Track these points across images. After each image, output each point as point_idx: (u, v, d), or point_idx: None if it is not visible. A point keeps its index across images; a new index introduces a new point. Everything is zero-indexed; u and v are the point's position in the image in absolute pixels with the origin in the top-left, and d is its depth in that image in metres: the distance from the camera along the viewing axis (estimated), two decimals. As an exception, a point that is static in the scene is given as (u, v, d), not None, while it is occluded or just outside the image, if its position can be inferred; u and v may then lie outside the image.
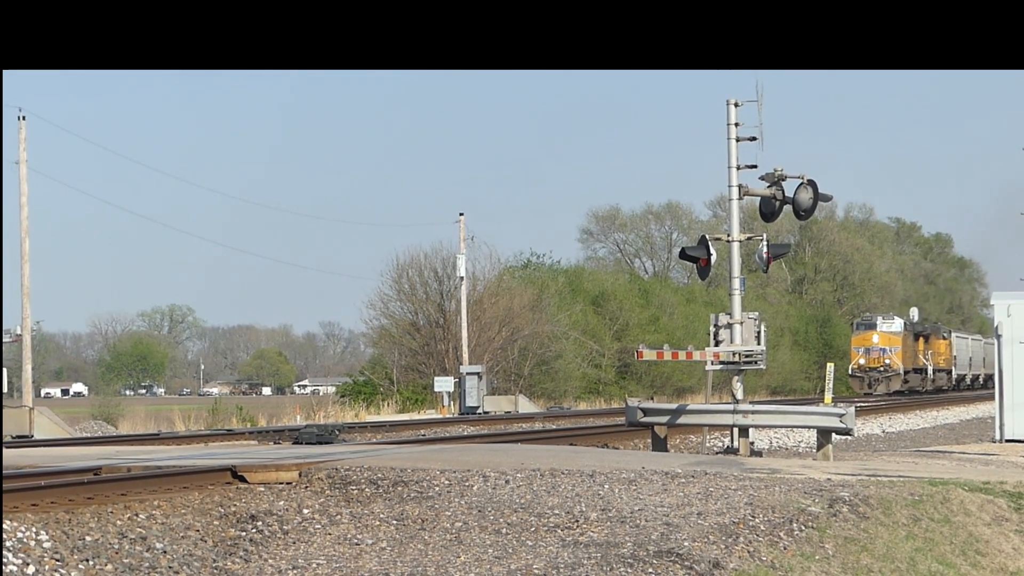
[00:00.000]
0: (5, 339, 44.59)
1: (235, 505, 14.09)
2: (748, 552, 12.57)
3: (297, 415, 53.36)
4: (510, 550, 12.27)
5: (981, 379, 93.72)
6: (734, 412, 24.38)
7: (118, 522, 12.69)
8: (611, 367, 76.33)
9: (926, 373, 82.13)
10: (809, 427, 27.27)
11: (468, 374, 54.33)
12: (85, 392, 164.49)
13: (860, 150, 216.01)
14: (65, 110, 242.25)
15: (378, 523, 13.58)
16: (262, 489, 15.19)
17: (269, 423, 46.55)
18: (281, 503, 14.40)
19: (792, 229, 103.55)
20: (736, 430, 24.51)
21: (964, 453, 27.12)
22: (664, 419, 25.20)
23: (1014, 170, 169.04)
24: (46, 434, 38.83)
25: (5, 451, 20.49)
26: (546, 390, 67.57)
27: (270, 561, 12.01)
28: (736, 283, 24.77)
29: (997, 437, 29.94)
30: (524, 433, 33.50)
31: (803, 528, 13.81)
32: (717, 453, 25.82)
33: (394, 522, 13.61)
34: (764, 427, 31.96)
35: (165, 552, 11.99)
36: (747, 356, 24.65)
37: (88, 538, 11.96)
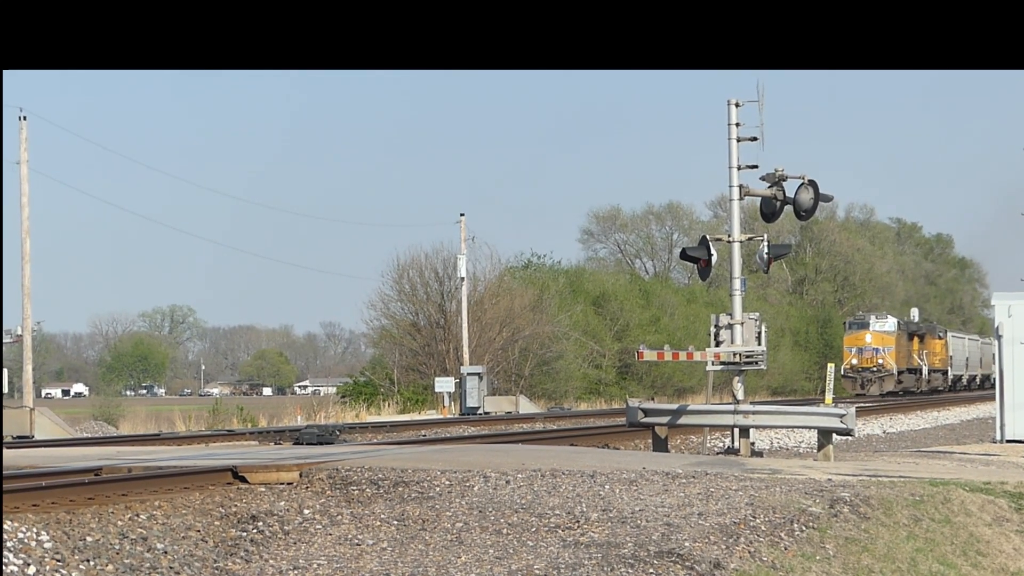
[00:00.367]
0: (6, 339, 44.59)
1: (236, 505, 14.09)
2: (749, 552, 12.56)
3: (298, 415, 53.36)
4: (511, 550, 12.27)
5: (978, 380, 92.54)
6: (735, 412, 24.38)
7: (119, 522, 12.69)
8: (612, 368, 76.32)
9: (921, 373, 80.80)
10: (810, 427, 27.28)
11: (469, 374, 54.33)
12: (86, 392, 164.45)
13: (860, 150, 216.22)
14: (66, 110, 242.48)
15: (379, 523, 13.58)
16: (263, 489, 15.19)
17: (270, 423, 46.54)
18: (282, 503, 14.40)
19: (793, 229, 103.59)
20: (737, 430, 24.52)
21: (965, 453, 27.12)
22: (665, 419, 25.20)
23: (1014, 170, 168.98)
24: (47, 434, 38.83)
25: (6, 451, 20.50)
26: (547, 390, 67.56)
27: (271, 561, 12.01)
28: (737, 283, 24.76)
29: (998, 437, 29.93)
30: (525, 433, 33.49)
31: (804, 528, 13.80)
32: (718, 453, 25.82)
33: (395, 522, 13.61)
34: (765, 427, 31.96)
35: (166, 552, 11.99)
36: (748, 356, 24.65)
37: (89, 538, 11.96)
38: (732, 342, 24.65)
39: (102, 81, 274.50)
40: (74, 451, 23.36)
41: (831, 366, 27.36)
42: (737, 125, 24.57)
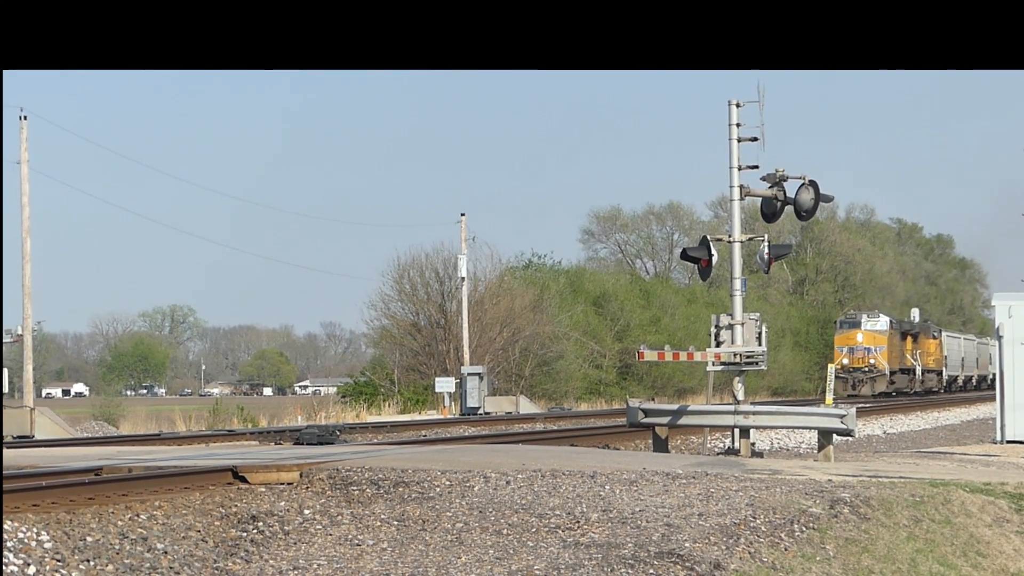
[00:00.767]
0: (6, 339, 44.61)
1: (236, 505, 14.09)
2: (749, 553, 12.56)
3: (298, 416, 53.35)
4: (511, 551, 12.27)
5: (974, 380, 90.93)
6: (735, 413, 24.39)
7: (119, 522, 12.69)
8: (612, 368, 76.32)
9: (914, 374, 79.09)
10: (810, 428, 27.29)
11: (469, 375, 54.33)
12: (86, 392, 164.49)
13: (861, 150, 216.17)
14: (66, 110, 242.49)
15: (379, 524, 13.58)
16: (263, 490, 15.19)
17: (270, 423, 46.54)
18: (282, 504, 14.40)
19: (793, 230, 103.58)
20: (737, 431, 24.52)
21: (965, 454, 27.12)
22: (665, 420, 25.20)
23: (1014, 170, 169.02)
24: (47, 434, 38.83)
25: (6, 451, 20.50)
26: (547, 391, 67.56)
27: (271, 562, 12.01)
28: (737, 284, 24.76)
29: (998, 438, 29.94)
30: (525, 434, 33.49)
31: (804, 529, 13.80)
32: (718, 454, 25.81)
33: (395, 523, 13.61)
34: (765, 428, 31.96)
35: (166, 553, 11.99)
36: (748, 357, 24.65)
37: (89, 538, 11.96)
38: (732, 342, 24.65)
39: (102, 81, 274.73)
40: (74, 451, 23.36)
41: (832, 367, 27.35)
42: (738, 125, 24.57)
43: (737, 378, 24.86)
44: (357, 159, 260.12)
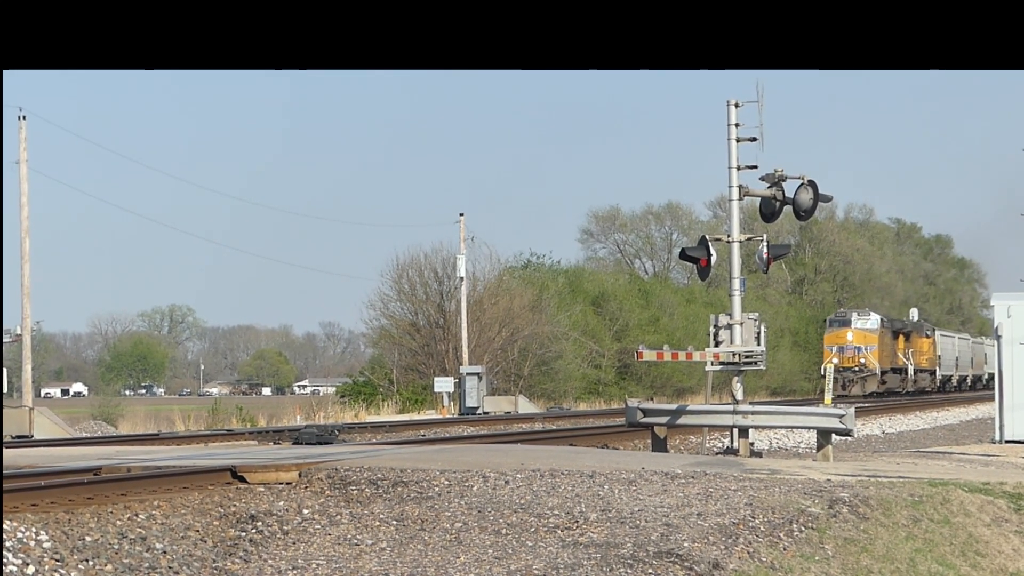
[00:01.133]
0: (5, 339, 44.57)
1: (235, 505, 14.09)
2: (748, 553, 12.57)
3: (297, 415, 53.34)
4: (510, 551, 12.27)
5: (969, 380, 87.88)
6: (734, 413, 24.39)
7: (118, 522, 12.69)
8: (611, 368, 76.31)
9: (906, 373, 77.47)
10: (809, 428, 27.29)
11: (468, 374, 54.31)
12: (85, 392, 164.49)
13: (860, 150, 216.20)
14: (66, 110, 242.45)
15: (378, 523, 13.58)
16: (262, 489, 15.19)
17: (269, 423, 46.53)
18: (281, 503, 14.40)
19: (792, 230, 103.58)
20: (736, 431, 24.52)
21: (964, 454, 27.13)
22: (664, 420, 25.20)
23: (1014, 170, 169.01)
24: (46, 434, 38.82)
25: (5, 451, 20.49)
26: (546, 391, 67.56)
27: (270, 561, 12.01)
28: (736, 284, 24.76)
29: (997, 438, 29.95)
30: (524, 434, 33.49)
31: (803, 529, 13.81)
32: (717, 454, 25.82)
33: (394, 522, 13.61)
34: (764, 428, 31.96)
35: (165, 552, 11.99)
36: (747, 357, 24.65)
37: (88, 538, 11.96)
38: (731, 342, 24.65)
39: (102, 81, 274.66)
40: (73, 451, 23.36)
41: (831, 367, 27.35)
42: (737, 125, 24.57)
43: (736, 378, 24.86)
44: (356, 159, 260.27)
